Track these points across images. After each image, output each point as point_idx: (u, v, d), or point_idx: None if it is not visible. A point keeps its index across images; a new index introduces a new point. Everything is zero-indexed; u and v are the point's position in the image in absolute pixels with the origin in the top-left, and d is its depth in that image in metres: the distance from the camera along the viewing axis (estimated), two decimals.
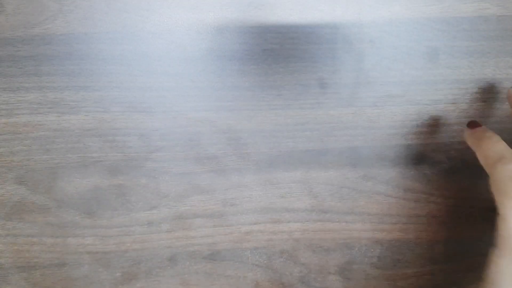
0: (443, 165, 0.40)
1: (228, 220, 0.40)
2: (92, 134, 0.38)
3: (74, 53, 0.37)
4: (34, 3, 0.36)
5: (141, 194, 0.39)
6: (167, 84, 0.38)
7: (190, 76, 0.38)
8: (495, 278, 0.30)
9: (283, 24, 0.37)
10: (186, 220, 0.40)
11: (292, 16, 0.37)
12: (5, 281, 0.40)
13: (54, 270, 0.40)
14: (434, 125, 0.39)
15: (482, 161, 0.33)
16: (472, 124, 0.36)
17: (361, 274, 0.41)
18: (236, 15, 0.37)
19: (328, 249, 0.41)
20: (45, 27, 0.37)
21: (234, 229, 0.40)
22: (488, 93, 0.39)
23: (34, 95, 0.38)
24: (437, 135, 0.39)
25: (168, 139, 0.39)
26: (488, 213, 0.41)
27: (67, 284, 0.40)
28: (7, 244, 0.39)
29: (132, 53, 0.37)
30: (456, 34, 0.38)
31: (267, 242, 0.40)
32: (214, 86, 0.38)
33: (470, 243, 0.41)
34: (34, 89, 0.37)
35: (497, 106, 0.39)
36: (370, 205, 0.40)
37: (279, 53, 0.38)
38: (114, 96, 0.38)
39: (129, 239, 0.40)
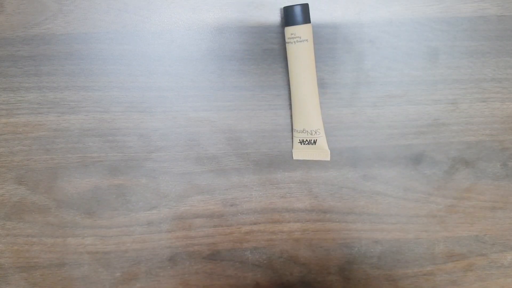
0: (443, 165, 0.40)
1: (228, 220, 0.40)
2: (92, 134, 0.38)
3: (74, 53, 0.37)
4: (34, 3, 0.36)
5: (141, 194, 0.39)
6: (167, 84, 0.38)
7: (190, 76, 0.38)
8: None
9: (283, 24, 0.37)
10: (186, 220, 0.40)
11: None
12: (5, 281, 0.40)
13: (54, 270, 0.40)
14: (434, 125, 0.39)
15: None
16: None
17: (361, 274, 0.41)
18: (236, 15, 0.37)
19: (328, 249, 0.41)
20: (45, 27, 0.37)
21: (234, 229, 0.40)
22: (488, 93, 0.39)
23: (34, 95, 0.38)
24: (437, 135, 0.39)
25: (168, 139, 0.39)
26: (488, 213, 0.41)
27: (67, 284, 0.40)
28: (7, 244, 0.39)
29: (132, 53, 0.37)
30: (456, 34, 0.38)
31: (267, 242, 0.40)
32: (214, 86, 0.38)
33: (470, 243, 0.41)
34: (34, 89, 0.37)
35: (497, 106, 0.39)
36: (370, 205, 0.40)
37: (279, 53, 0.38)
38: (114, 96, 0.38)
39: (129, 239, 0.40)
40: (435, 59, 0.38)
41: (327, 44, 0.38)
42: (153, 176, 0.39)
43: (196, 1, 0.37)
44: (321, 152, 0.38)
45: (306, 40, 0.35)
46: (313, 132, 0.37)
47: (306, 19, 0.35)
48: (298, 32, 0.35)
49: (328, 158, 0.38)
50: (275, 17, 0.37)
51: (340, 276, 0.41)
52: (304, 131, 0.37)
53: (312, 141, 0.37)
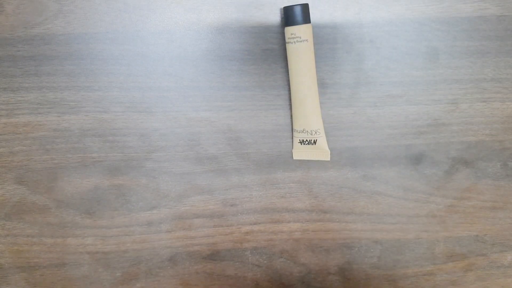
0: (443, 165, 0.40)
1: (228, 220, 0.40)
2: (92, 134, 0.38)
3: (74, 53, 0.37)
4: (34, 3, 0.36)
5: (141, 194, 0.39)
6: (167, 84, 0.38)
7: (190, 76, 0.38)
8: None
9: (283, 24, 0.37)
10: (186, 220, 0.40)
11: None
12: (5, 281, 0.40)
13: (54, 270, 0.40)
14: (434, 125, 0.39)
15: None
16: None
17: (361, 274, 0.41)
18: (236, 15, 0.37)
19: (328, 249, 0.41)
20: (45, 27, 0.37)
21: (234, 229, 0.40)
22: (488, 93, 0.39)
23: (34, 95, 0.38)
24: (437, 135, 0.39)
25: (168, 139, 0.39)
26: (488, 213, 0.41)
27: (67, 284, 0.40)
28: (7, 244, 0.39)
29: (132, 53, 0.37)
30: (456, 34, 0.38)
31: (267, 242, 0.40)
32: (214, 86, 0.38)
33: (470, 243, 0.41)
34: (34, 89, 0.37)
35: (497, 106, 0.39)
36: (370, 205, 0.40)
37: (279, 53, 0.38)
38: (114, 96, 0.38)
39: (129, 239, 0.40)
40: (435, 59, 0.38)
41: (327, 44, 0.38)
42: (153, 176, 0.39)
43: (196, 1, 0.37)
44: (321, 152, 0.38)
45: (306, 40, 0.35)
46: (313, 132, 0.37)
47: (306, 19, 0.35)
48: (298, 32, 0.35)
49: (328, 158, 0.38)
50: (275, 17, 0.37)
51: (340, 276, 0.41)
52: (304, 131, 0.37)
53: (312, 141, 0.37)
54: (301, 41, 0.35)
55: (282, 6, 0.37)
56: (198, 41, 0.37)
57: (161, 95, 0.38)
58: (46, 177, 0.39)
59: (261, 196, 0.40)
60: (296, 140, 0.38)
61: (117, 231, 0.39)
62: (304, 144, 0.38)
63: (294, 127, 0.38)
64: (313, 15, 0.37)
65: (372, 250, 0.41)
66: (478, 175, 0.40)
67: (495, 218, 0.41)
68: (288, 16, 0.35)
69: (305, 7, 0.35)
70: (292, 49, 0.35)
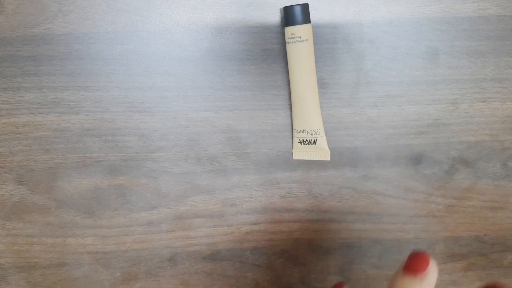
0: (443, 165, 0.40)
1: (228, 220, 0.40)
2: (92, 134, 0.38)
3: (74, 53, 0.37)
4: (34, 3, 0.36)
5: (141, 194, 0.39)
6: (167, 84, 0.38)
7: (190, 76, 0.38)
8: None
9: (283, 24, 0.37)
10: (186, 220, 0.40)
11: None
12: (5, 281, 0.40)
13: (54, 270, 0.40)
14: (434, 125, 0.39)
15: None
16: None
17: (361, 274, 0.41)
18: (236, 15, 0.37)
19: (328, 249, 0.41)
20: (45, 27, 0.37)
21: (234, 229, 0.40)
22: (488, 93, 0.39)
23: (34, 95, 0.38)
24: (437, 135, 0.39)
25: (168, 139, 0.39)
26: (488, 213, 0.41)
27: (67, 284, 0.40)
28: (7, 244, 0.39)
29: (132, 53, 0.37)
30: (456, 34, 0.38)
31: (267, 242, 0.40)
32: (214, 86, 0.38)
33: (470, 243, 0.41)
34: (34, 89, 0.37)
35: (497, 106, 0.39)
36: (370, 205, 0.40)
37: (279, 53, 0.38)
38: (114, 96, 0.38)
39: (129, 239, 0.40)
40: (435, 59, 0.38)
41: (327, 44, 0.38)
42: (153, 176, 0.39)
43: (196, 1, 0.37)
44: (321, 152, 0.38)
45: (306, 40, 0.35)
46: (313, 132, 0.37)
47: (306, 19, 0.35)
48: (298, 32, 0.35)
49: (328, 158, 0.38)
50: (275, 17, 0.37)
51: (340, 276, 0.41)
52: (304, 131, 0.37)
53: (312, 141, 0.37)
54: (301, 41, 0.35)
55: (282, 6, 0.37)
56: (198, 41, 0.37)
57: (161, 95, 0.38)
58: (46, 177, 0.39)
59: (261, 196, 0.40)
60: (296, 140, 0.38)
61: (117, 231, 0.39)
62: (304, 144, 0.38)
63: (294, 127, 0.38)
64: (313, 15, 0.37)
65: (372, 250, 0.41)
66: (478, 175, 0.40)
67: (495, 218, 0.41)
68: (288, 16, 0.35)
69: (305, 7, 0.35)
70: (292, 49, 0.35)
